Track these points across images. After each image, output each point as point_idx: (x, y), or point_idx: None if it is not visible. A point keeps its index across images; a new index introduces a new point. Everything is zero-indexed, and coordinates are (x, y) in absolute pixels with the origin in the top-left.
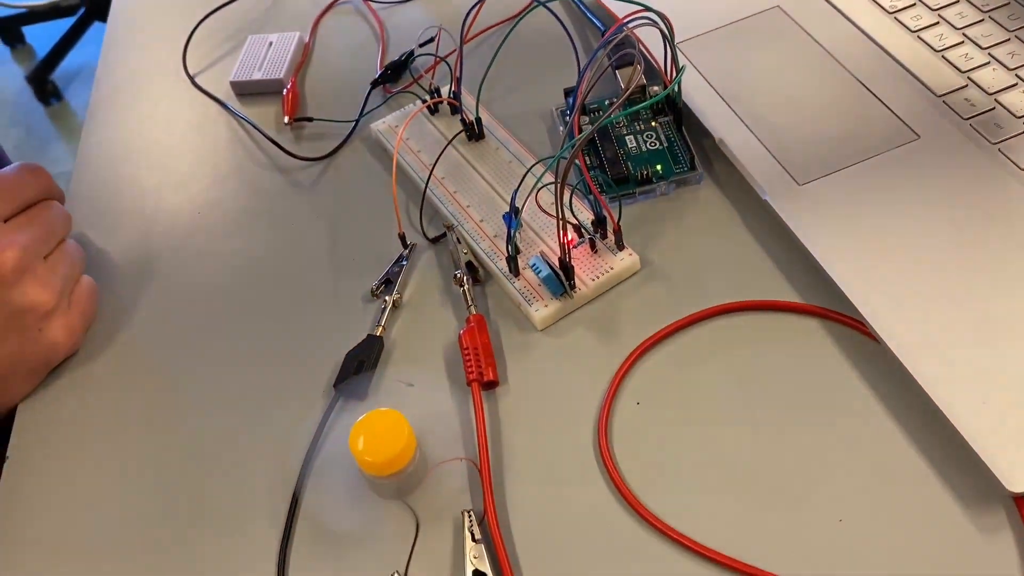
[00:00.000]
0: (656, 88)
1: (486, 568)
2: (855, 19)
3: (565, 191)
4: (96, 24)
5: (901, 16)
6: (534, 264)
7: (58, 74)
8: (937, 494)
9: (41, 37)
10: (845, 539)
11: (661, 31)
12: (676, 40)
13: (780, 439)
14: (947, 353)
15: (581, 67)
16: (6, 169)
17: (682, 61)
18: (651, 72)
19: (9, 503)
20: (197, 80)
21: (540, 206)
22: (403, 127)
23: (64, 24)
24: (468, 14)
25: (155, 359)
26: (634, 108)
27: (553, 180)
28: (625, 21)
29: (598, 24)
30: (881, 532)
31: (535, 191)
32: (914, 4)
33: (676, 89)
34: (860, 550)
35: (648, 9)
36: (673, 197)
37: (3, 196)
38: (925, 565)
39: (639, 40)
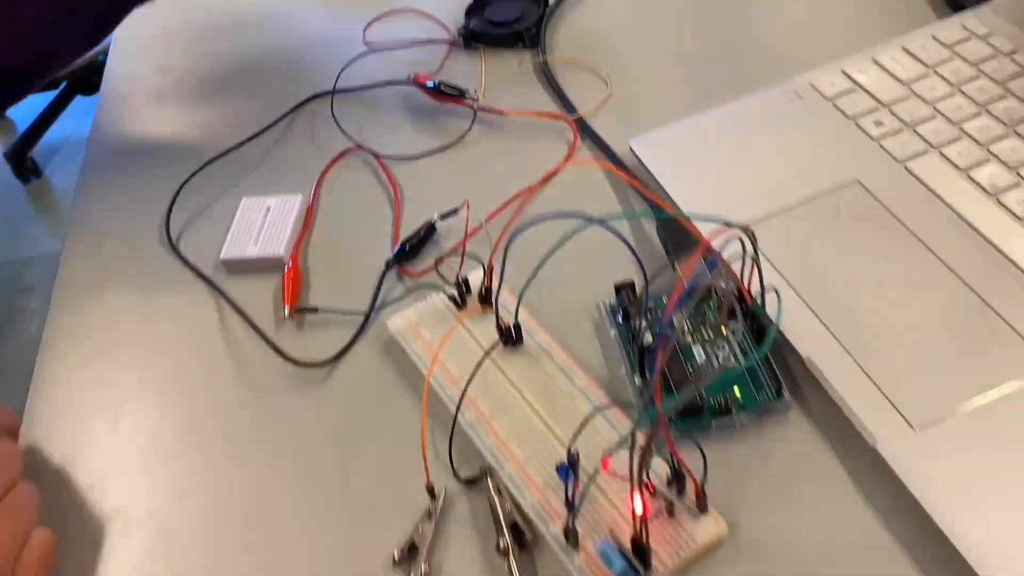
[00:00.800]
0: (736, 306)
1: None
2: (949, 201)
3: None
4: (79, 98)
5: (1004, 197)
6: (604, 552)
7: (38, 149)
8: None
9: (21, 110)
10: None
11: (744, 246)
12: (757, 251)
13: None
14: None
15: (643, 275)
16: None
17: (765, 278)
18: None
19: None
20: (182, 251)
21: (611, 469)
22: (440, 345)
23: (45, 98)
24: (510, 240)
25: None
26: (729, 357)
27: (623, 445)
28: (714, 247)
29: (645, 200)
30: None
31: (613, 453)
32: (1018, 183)
33: (759, 310)
34: None
35: (730, 225)
36: (756, 433)
37: None
38: None
39: (729, 268)
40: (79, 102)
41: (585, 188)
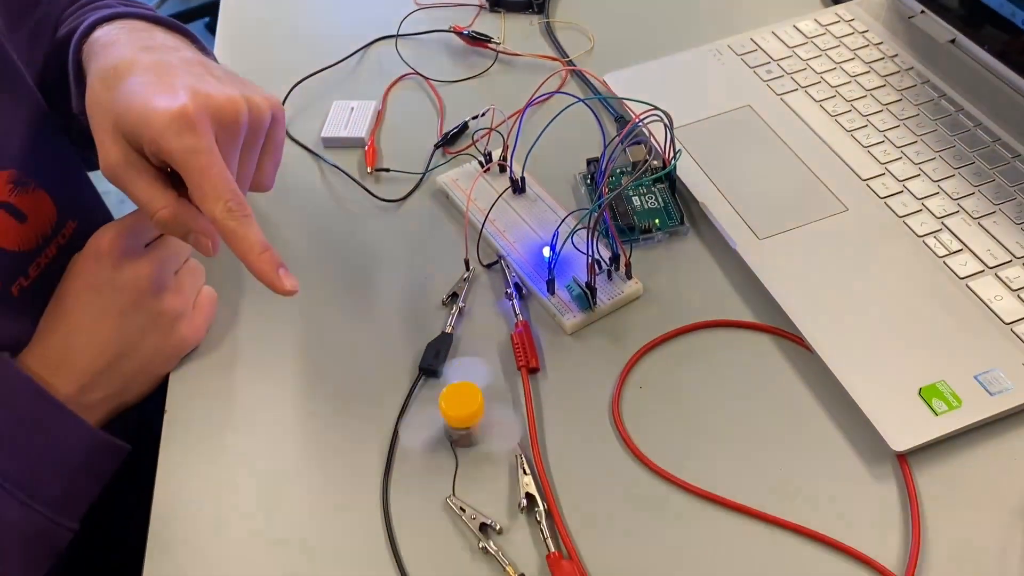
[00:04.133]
0: (657, 163)
1: (535, 492)
2: (805, 118)
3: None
4: None
5: (840, 119)
6: (569, 285)
7: None
8: (846, 452)
9: None
10: (782, 481)
11: (664, 124)
12: (674, 128)
13: (740, 412)
14: (855, 358)
15: (604, 149)
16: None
17: (677, 146)
18: (652, 150)
19: (172, 439)
20: (291, 133)
21: (574, 245)
22: (472, 184)
23: None
24: (524, 110)
25: (265, 346)
26: (643, 181)
27: (583, 227)
28: (641, 117)
29: (611, 111)
30: (807, 478)
31: (572, 235)
32: (849, 111)
33: (673, 167)
34: (794, 490)
35: (657, 108)
36: (667, 244)
37: (145, 228)
38: (835, 503)
39: (649, 131)
40: None
41: (572, 109)
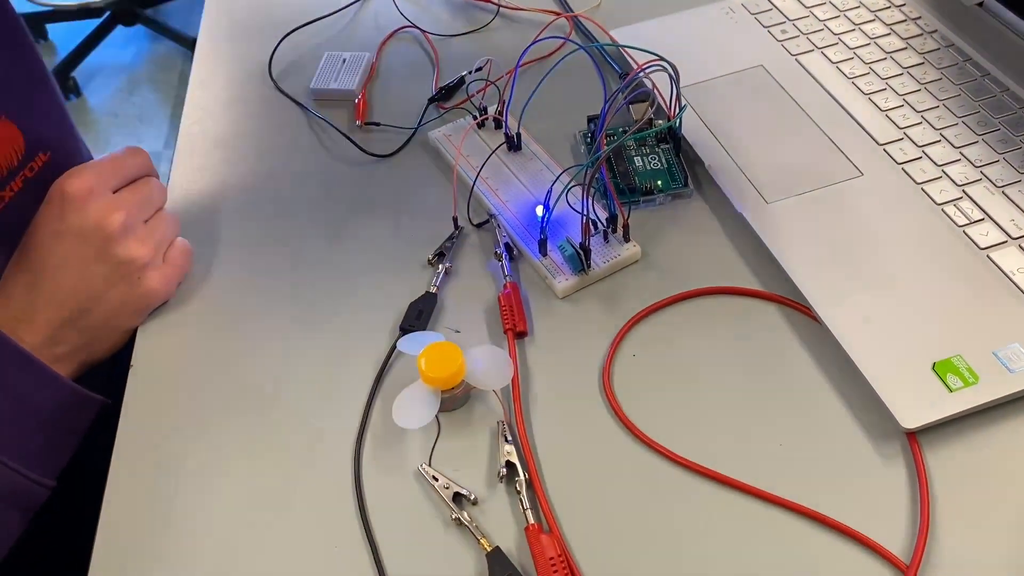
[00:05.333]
0: (661, 121)
1: (516, 461)
2: (821, 80)
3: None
4: (119, 28)
5: (858, 81)
6: (561, 245)
7: (78, 71)
8: (852, 429)
9: (63, 36)
10: (783, 458)
11: (670, 76)
12: (680, 81)
13: (739, 384)
14: (865, 329)
15: (605, 100)
16: (116, 151)
17: (683, 102)
18: (657, 108)
19: (136, 396)
20: (281, 86)
21: (569, 203)
22: (462, 138)
23: (87, 25)
24: (523, 54)
25: (240, 302)
26: (644, 134)
27: (579, 184)
28: (644, 67)
29: (616, 67)
30: (809, 455)
31: (567, 191)
32: (868, 73)
33: (678, 123)
34: (794, 467)
35: (662, 59)
36: (669, 207)
37: (113, 172)
38: (840, 481)
39: (654, 84)
40: (119, 31)
41: (574, 63)
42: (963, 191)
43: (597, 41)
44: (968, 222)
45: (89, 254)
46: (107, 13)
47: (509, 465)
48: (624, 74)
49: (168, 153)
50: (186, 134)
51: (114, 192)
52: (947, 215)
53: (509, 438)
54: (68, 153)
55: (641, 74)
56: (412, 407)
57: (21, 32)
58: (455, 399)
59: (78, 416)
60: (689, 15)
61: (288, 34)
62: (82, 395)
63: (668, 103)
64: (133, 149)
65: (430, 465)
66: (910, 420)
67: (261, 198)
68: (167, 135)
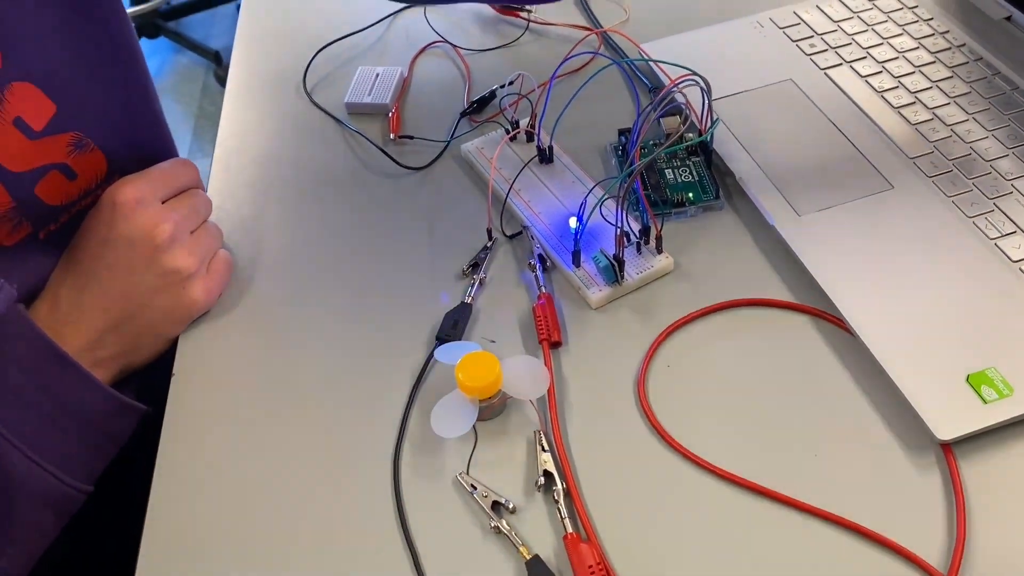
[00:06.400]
0: (692, 135)
1: (553, 470)
2: (850, 94)
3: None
4: (143, 41)
5: (887, 95)
6: (596, 256)
7: None
8: (887, 440)
9: None
10: (818, 469)
11: (702, 89)
12: (712, 96)
13: (775, 395)
14: (899, 342)
15: (637, 114)
16: (163, 163)
17: (715, 116)
18: (688, 121)
19: (178, 404)
20: (315, 99)
21: (602, 215)
22: (497, 151)
23: None
24: (557, 69)
25: (280, 312)
26: (676, 148)
27: (613, 197)
28: (678, 82)
29: (646, 81)
30: (844, 466)
31: (601, 203)
32: (897, 87)
33: (709, 136)
34: (829, 478)
35: (695, 73)
36: (701, 219)
37: (163, 183)
38: (875, 492)
39: (686, 98)
40: (143, 44)
41: (605, 77)
42: (994, 204)
43: (627, 56)
44: (1000, 235)
45: (137, 262)
46: None
47: (547, 474)
48: (654, 88)
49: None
50: (223, 147)
51: (163, 202)
52: (979, 227)
53: (546, 447)
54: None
55: (674, 89)
56: (450, 416)
57: (131, 51)
58: (492, 408)
59: (118, 423)
60: (718, 29)
61: (322, 49)
62: (121, 402)
63: (700, 117)
64: (182, 161)
65: (468, 474)
66: (945, 432)
67: (298, 210)
68: (190, 144)
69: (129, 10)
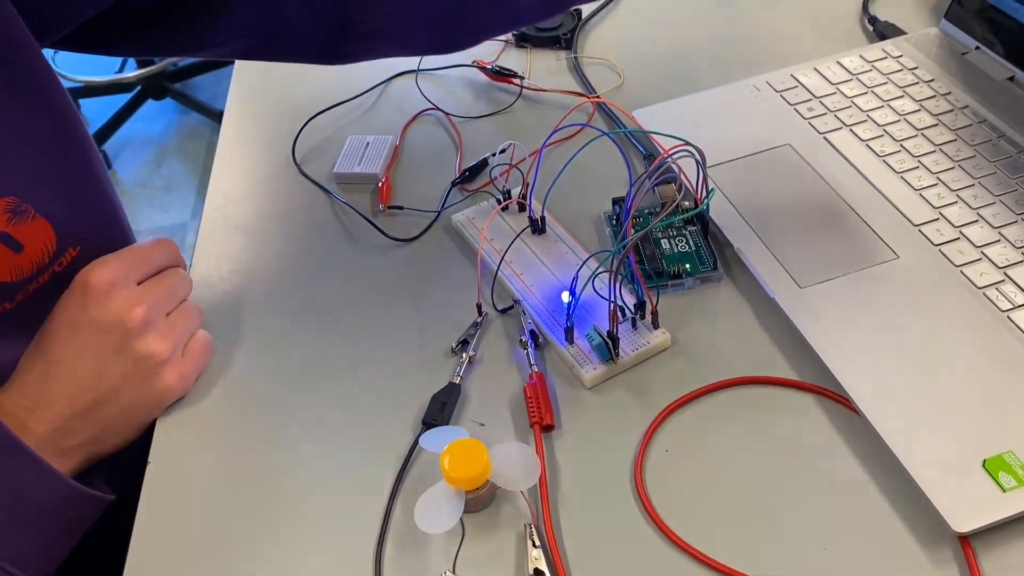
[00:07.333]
0: (688, 204)
1: (544, 568)
2: (851, 158)
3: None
4: (149, 102)
5: (889, 159)
6: (589, 334)
7: (108, 144)
8: (899, 531)
9: (95, 111)
10: (826, 564)
11: (696, 160)
12: (707, 164)
13: (779, 482)
14: (909, 423)
15: (630, 184)
16: (143, 242)
17: (710, 184)
18: (683, 189)
19: (153, 492)
20: (304, 169)
21: (595, 289)
22: (487, 222)
23: (117, 100)
24: (547, 140)
25: (260, 395)
26: (672, 219)
27: (606, 270)
28: (671, 152)
29: (640, 148)
30: (855, 560)
31: (594, 278)
32: (899, 151)
33: (705, 207)
34: (838, 572)
35: (688, 143)
36: (698, 291)
37: (139, 263)
38: None
39: (680, 168)
40: (149, 105)
41: (598, 144)
42: (1004, 274)
43: (621, 123)
44: (1012, 306)
45: (107, 348)
46: (137, 88)
47: (537, 572)
48: (649, 155)
49: (195, 223)
50: (209, 219)
51: (139, 283)
52: (989, 299)
53: (537, 543)
54: (102, 243)
55: (667, 159)
56: (435, 509)
57: (66, 117)
58: (480, 500)
59: (81, 513)
60: (714, 93)
61: (312, 118)
62: (85, 493)
63: (695, 186)
64: (161, 240)
65: (454, 572)
66: (962, 524)
67: (283, 284)
68: (194, 205)
69: (136, 72)
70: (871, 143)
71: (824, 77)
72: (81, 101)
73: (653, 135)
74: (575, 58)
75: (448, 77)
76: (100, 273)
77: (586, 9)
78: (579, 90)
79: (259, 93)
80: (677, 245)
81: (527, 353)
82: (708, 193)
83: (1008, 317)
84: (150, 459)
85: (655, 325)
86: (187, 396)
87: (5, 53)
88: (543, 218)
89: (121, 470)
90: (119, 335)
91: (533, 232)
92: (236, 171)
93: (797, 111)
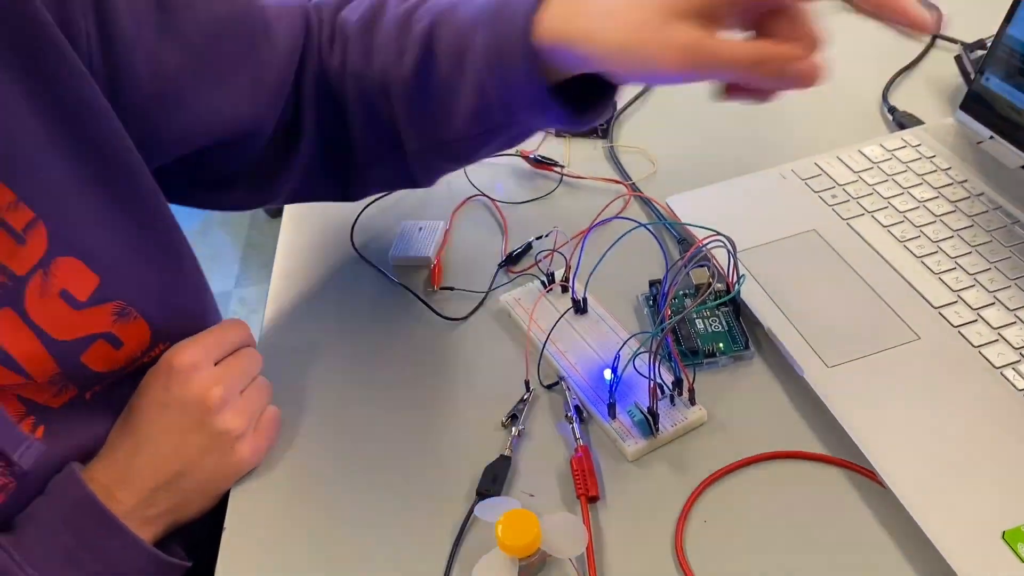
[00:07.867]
0: (721, 286)
1: None
2: (873, 243)
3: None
4: None
5: (909, 244)
6: (630, 410)
7: None
8: None
9: None
10: None
11: (727, 249)
12: (737, 251)
13: (810, 553)
14: (933, 496)
15: (666, 269)
16: (217, 325)
17: (741, 270)
18: (716, 274)
19: (228, 557)
20: (362, 253)
21: (635, 367)
22: (534, 305)
23: None
24: (588, 232)
25: (325, 465)
26: (706, 306)
27: (645, 350)
28: (704, 242)
29: (674, 233)
30: None
31: (634, 358)
32: (918, 236)
33: (736, 292)
34: None
35: (719, 234)
36: (731, 368)
37: (216, 345)
38: None
39: (712, 255)
40: None
41: (634, 232)
42: (1020, 354)
43: (659, 215)
44: None
45: (189, 425)
46: None
47: None
48: (682, 240)
49: (239, 292)
50: (275, 298)
51: (216, 363)
52: (1007, 379)
53: None
54: (189, 334)
55: (700, 249)
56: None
57: (170, 229)
58: (532, 567)
59: None
60: (743, 181)
61: (368, 205)
62: (166, 562)
63: (727, 271)
64: (234, 321)
65: None
66: None
67: (343, 361)
68: (238, 274)
69: None
70: (892, 228)
71: (847, 165)
72: None
73: (686, 226)
74: (611, 147)
75: (494, 165)
76: (184, 356)
77: (621, 100)
78: (616, 177)
79: None
80: (711, 325)
81: (572, 427)
82: (739, 279)
83: None
84: (226, 525)
85: (692, 401)
86: (259, 466)
87: (128, 179)
88: (585, 299)
89: (195, 537)
90: (200, 413)
91: (576, 312)
92: (299, 254)
93: (821, 198)
